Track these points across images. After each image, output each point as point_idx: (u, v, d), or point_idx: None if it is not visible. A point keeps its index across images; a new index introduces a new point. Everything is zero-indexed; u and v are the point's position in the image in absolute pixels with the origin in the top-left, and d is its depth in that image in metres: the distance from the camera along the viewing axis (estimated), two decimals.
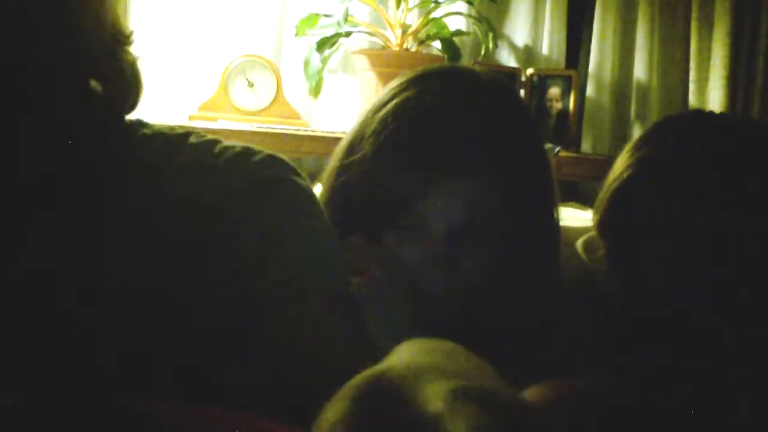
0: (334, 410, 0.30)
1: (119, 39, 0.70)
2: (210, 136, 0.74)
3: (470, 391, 0.30)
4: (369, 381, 0.31)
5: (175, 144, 0.72)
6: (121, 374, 0.61)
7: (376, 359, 0.63)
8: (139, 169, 0.69)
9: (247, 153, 0.72)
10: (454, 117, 0.88)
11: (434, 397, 0.30)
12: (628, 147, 0.97)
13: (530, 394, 0.72)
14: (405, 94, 0.89)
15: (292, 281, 0.66)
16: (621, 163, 0.95)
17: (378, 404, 0.30)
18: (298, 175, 0.74)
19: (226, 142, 0.74)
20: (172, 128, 0.74)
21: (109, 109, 0.71)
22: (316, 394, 0.33)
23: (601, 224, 0.96)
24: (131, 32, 0.72)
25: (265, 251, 0.67)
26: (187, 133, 0.73)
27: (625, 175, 0.93)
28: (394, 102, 0.89)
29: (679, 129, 0.97)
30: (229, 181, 0.69)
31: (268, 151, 0.74)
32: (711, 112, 1.04)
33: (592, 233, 1.06)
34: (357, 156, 0.89)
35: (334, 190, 0.92)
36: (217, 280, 0.65)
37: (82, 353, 0.61)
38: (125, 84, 0.71)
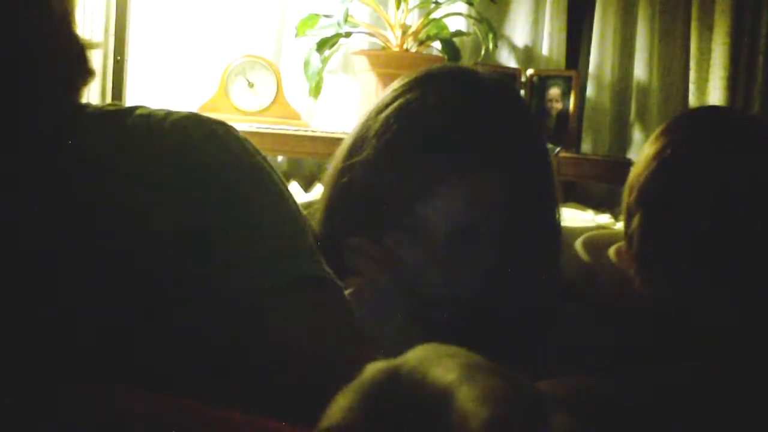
0: (345, 404, 0.30)
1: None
2: (155, 108, 0.72)
3: (482, 364, 0.30)
4: (383, 373, 0.31)
5: (122, 115, 0.70)
6: (119, 373, 0.61)
7: (363, 344, 0.63)
8: (103, 154, 0.68)
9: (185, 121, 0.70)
10: (455, 118, 0.88)
11: (446, 372, 0.30)
12: (655, 135, 0.97)
13: None
14: (407, 96, 0.89)
15: (249, 280, 0.64)
16: (653, 150, 0.95)
17: (392, 395, 0.30)
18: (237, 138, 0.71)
19: (170, 110, 0.72)
20: (116, 104, 0.74)
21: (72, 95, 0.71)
22: (308, 391, 0.33)
23: (639, 198, 0.95)
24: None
25: (209, 249, 0.64)
26: (134, 107, 0.72)
27: (668, 152, 0.93)
28: (396, 103, 0.89)
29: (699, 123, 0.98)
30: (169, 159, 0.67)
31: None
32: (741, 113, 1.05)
33: (593, 233, 1.06)
34: (359, 157, 0.89)
35: (336, 192, 0.92)
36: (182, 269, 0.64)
37: (79, 350, 0.61)
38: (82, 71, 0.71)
